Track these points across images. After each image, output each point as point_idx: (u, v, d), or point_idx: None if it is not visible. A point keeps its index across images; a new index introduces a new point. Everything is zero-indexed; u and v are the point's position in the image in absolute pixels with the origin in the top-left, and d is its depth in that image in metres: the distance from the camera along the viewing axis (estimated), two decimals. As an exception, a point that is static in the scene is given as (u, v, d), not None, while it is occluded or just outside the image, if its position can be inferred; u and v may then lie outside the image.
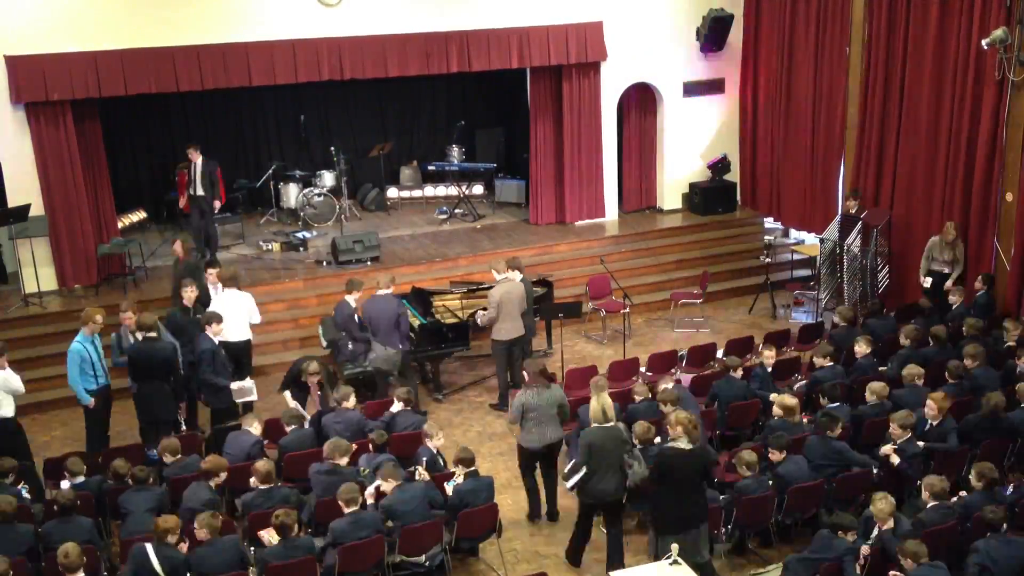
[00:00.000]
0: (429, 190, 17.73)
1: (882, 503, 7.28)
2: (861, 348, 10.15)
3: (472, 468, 8.22)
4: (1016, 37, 10.90)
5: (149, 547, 6.98)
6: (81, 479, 8.33)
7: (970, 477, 7.80)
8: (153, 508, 7.96)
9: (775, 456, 8.29)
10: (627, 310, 12.99)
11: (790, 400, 8.95)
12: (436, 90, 18.15)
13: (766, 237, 15.19)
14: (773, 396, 9.29)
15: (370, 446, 8.69)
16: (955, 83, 11.88)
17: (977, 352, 9.61)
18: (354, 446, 8.51)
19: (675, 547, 7.48)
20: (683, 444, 7.30)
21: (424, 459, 8.49)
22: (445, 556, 8.11)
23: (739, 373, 9.85)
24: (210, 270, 11.15)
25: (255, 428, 9.04)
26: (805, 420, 9.28)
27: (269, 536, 7.47)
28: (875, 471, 8.39)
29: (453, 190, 17.28)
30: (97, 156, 13.61)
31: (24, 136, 12.76)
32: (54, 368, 12.12)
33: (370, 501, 7.85)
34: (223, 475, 8.10)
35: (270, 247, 14.99)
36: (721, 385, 9.77)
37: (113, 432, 11.10)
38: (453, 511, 8.02)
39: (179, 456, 8.75)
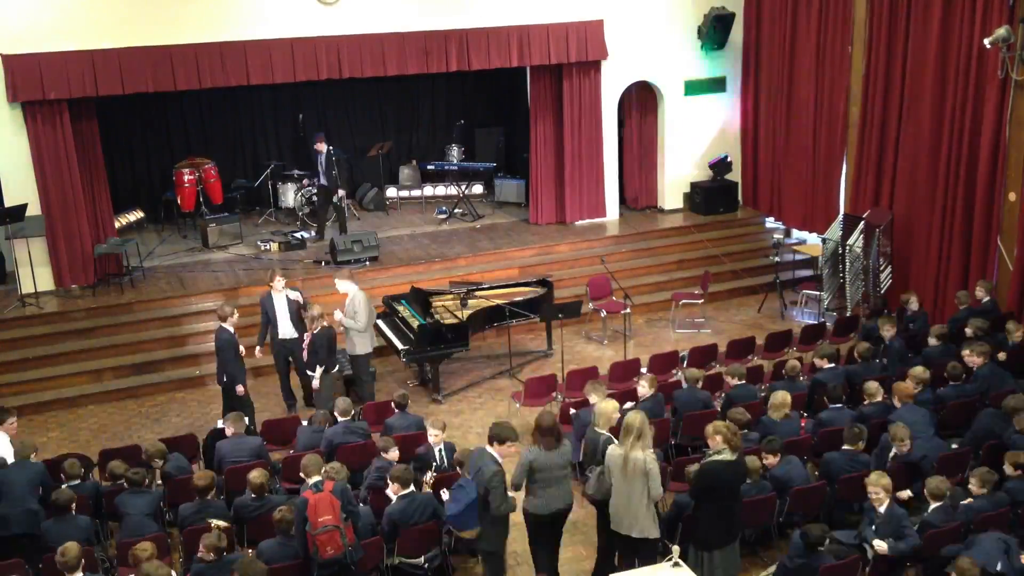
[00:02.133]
0: (428, 190, 17.66)
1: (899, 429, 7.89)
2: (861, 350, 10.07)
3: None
4: (1019, 36, 10.83)
5: None
6: (76, 482, 8.24)
7: (970, 482, 7.72)
8: (150, 511, 7.91)
9: (769, 460, 8.21)
10: (628, 310, 12.92)
11: (780, 396, 8.87)
12: (435, 89, 18.09)
13: (775, 236, 15.09)
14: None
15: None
16: (957, 82, 11.80)
17: (982, 350, 9.52)
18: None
19: (676, 549, 7.41)
20: (727, 455, 7.07)
21: (432, 461, 8.52)
22: (445, 558, 8.03)
23: (700, 383, 9.77)
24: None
25: (242, 428, 8.96)
26: (803, 422, 9.22)
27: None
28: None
29: (452, 190, 17.22)
30: (94, 155, 13.55)
31: (21, 135, 12.68)
32: (51, 369, 12.09)
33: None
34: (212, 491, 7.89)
35: (268, 247, 14.92)
36: (681, 395, 9.66)
37: (109, 433, 11.07)
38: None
39: (167, 459, 8.68)
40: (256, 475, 7.88)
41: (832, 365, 9.96)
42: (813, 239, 14.96)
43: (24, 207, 12.50)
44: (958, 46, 11.73)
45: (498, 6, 14.36)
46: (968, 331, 10.20)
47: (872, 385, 9.17)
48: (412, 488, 7.73)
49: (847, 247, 12.71)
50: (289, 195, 16.49)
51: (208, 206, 15.68)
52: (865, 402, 9.20)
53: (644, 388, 9.35)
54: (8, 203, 12.70)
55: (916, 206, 12.67)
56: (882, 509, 7.35)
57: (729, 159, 16.18)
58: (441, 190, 17.58)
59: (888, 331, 10.49)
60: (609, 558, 7.77)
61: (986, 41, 10.95)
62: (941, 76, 12.05)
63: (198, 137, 16.95)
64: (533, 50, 14.57)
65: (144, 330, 12.73)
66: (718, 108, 16.19)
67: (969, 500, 7.67)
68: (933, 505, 7.49)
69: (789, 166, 15.23)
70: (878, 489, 7.34)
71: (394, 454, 8.40)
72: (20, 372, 11.99)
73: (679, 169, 16.23)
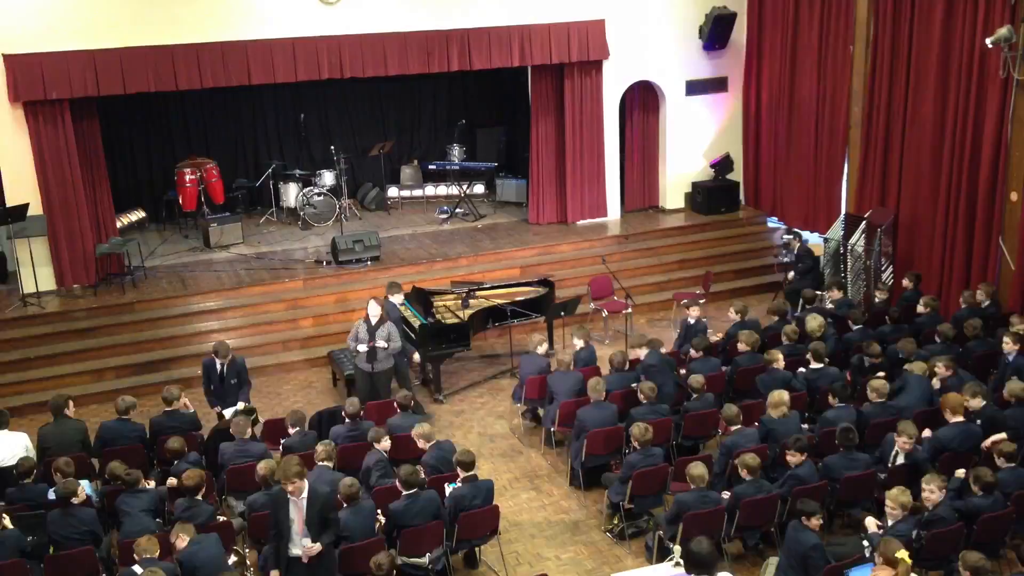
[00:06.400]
0: (430, 189, 17.66)
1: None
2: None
3: (471, 472, 8.12)
4: (1021, 35, 10.81)
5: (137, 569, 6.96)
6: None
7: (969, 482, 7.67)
8: (150, 509, 7.93)
9: (794, 459, 8.15)
10: (629, 310, 12.91)
11: (777, 395, 8.85)
12: (437, 89, 18.08)
13: (785, 236, 15.04)
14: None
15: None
16: (959, 82, 11.79)
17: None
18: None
19: (677, 549, 7.43)
20: None
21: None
22: (446, 558, 8.03)
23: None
24: None
25: (247, 433, 8.93)
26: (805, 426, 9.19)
27: None
28: (881, 475, 8.31)
29: (454, 189, 17.22)
30: (95, 155, 13.55)
31: (22, 135, 12.69)
32: (52, 368, 12.09)
33: None
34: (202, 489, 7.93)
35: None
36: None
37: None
38: (450, 515, 7.94)
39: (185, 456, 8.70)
40: (264, 466, 7.99)
41: (820, 365, 9.92)
42: (815, 239, 14.93)
43: (26, 207, 12.50)
44: (960, 46, 11.72)
45: (499, 6, 14.35)
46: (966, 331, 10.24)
47: (879, 383, 9.08)
48: (416, 489, 7.75)
49: (849, 247, 12.70)
50: (291, 195, 16.48)
51: (209, 206, 15.68)
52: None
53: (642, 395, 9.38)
54: (10, 203, 12.69)
55: (918, 206, 12.66)
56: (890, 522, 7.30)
57: (731, 159, 16.17)
58: (443, 190, 17.58)
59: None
60: None
61: (988, 41, 10.93)
62: (943, 76, 12.04)
63: (199, 137, 16.95)
64: (534, 50, 14.56)
65: (145, 330, 12.73)
66: (720, 108, 16.18)
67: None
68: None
69: (791, 166, 15.22)
70: (895, 506, 7.18)
71: (386, 443, 8.47)
72: (22, 371, 11.99)
73: (681, 169, 16.22)
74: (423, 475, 8.04)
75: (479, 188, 17.50)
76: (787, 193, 15.42)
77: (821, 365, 9.82)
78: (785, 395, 8.88)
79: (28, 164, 12.76)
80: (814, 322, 10.46)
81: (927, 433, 8.66)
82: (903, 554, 6.39)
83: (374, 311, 10.46)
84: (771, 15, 15.19)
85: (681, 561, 7.27)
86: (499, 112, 18.54)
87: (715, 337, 11.24)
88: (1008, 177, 11.38)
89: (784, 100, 15.16)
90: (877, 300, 11.73)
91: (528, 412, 10.82)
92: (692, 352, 10.41)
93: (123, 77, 12.79)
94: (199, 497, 7.83)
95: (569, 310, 12.48)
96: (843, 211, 13.93)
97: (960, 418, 8.45)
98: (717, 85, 16.03)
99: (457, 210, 16.43)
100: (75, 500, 7.69)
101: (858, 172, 13.72)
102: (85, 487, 8.32)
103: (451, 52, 14.20)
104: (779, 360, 9.80)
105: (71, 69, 12.52)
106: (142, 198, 16.37)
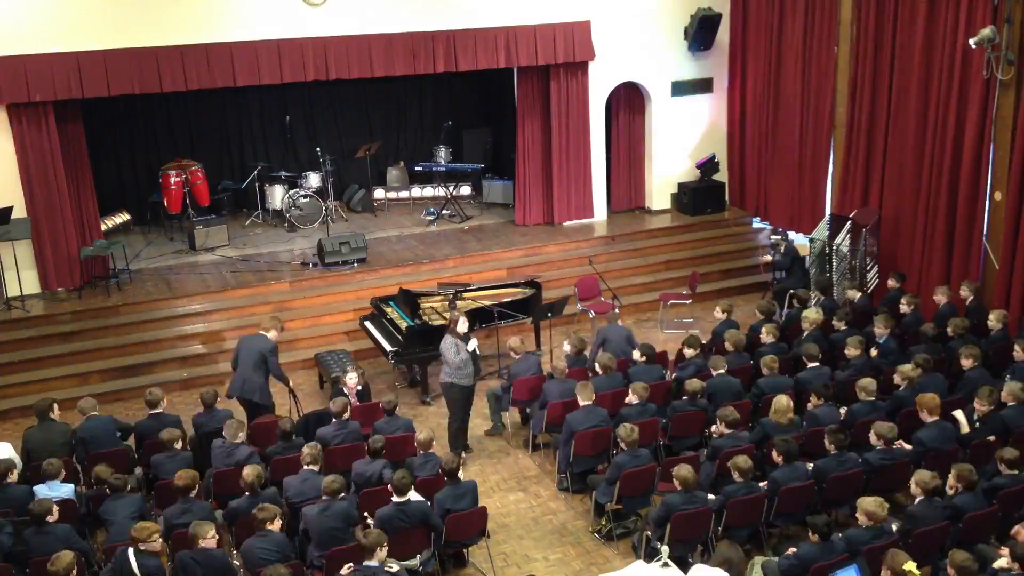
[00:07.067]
0: (416, 191, 17.64)
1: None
2: (851, 351, 10.07)
3: (454, 480, 8.09)
4: (1003, 36, 10.89)
5: (131, 551, 6.93)
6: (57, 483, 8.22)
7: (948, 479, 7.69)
8: (135, 514, 7.87)
9: (777, 460, 8.20)
10: (616, 311, 12.91)
11: (784, 401, 8.88)
12: (423, 90, 18.07)
13: (773, 236, 15.08)
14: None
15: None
16: (943, 82, 11.87)
17: (971, 352, 9.52)
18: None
19: (665, 549, 7.44)
20: None
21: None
22: (434, 560, 8.02)
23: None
24: None
25: (240, 438, 8.88)
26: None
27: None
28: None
29: (440, 191, 17.22)
30: (80, 158, 13.48)
31: (6, 138, 12.62)
32: (37, 372, 12.03)
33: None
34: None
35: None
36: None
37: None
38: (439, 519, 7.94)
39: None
40: (249, 471, 7.90)
41: (816, 364, 9.97)
42: (799, 239, 14.99)
43: (10, 210, 12.43)
44: (943, 46, 11.79)
45: (485, 7, 14.35)
46: (949, 330, 10.27)
47: (866, 382, 9.09)
48: (407, 497, 7.71)
49: (834, 247, 12.75)
50: (276, 197, 16.44)
51: (195, 208, 15.62)
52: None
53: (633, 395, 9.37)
54: (-7, 206, 12.65)
55: (902, 206, 12.73)
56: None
57: (716, 159, 16.22)
58: (429, 191, 17.57)
59: (881, 330, 10.42)
60: None
61: (971, 41, 11.00)
62: (926, 76, 12.11)
63: (184, 139, 16.89)
64: (520, 51, 14.57)
65: (131, 333, 12.68)
66: (705, 109, 16.23)
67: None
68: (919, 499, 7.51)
69: (776, 166, 15.28)
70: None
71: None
72: (6, 375, 11.91)
73: (667, 170, 16.26)
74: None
75: (465, 189, 17.49)
76: (772, 193, 15.48)
77: (816, 364, 9.90)
78: (786, 401, 8.89)
79: (12, 167, 12.68)
80: (814, 314, 10.73)
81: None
82: (911, 566, 6.37)
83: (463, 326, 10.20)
84: (755, 16, 15.25)
85: (670, 562, 7.29)
86: (485, 113, 18.54)
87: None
88: (992, 177, 11.45)
89: (769, 101, 15.22)
90: (855, 299, 11.77)
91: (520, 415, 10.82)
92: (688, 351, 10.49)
93: (107, 79, 12.73)
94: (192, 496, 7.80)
95: (556, 311, 12.49)
96: (828, 211, 13.98)
97: (935, 417, 8.50)
98: (702, 86, 16.08)
99: (444, 211, 16.42)
100: (49, 518, 7.53)
101: (842, 172, 13.79)
102: (69, 492, 8.30)
103: (437, 53, 14.20)
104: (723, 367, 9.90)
105: (55, 71, 12.45)
106: (127, 200, 16.28)
